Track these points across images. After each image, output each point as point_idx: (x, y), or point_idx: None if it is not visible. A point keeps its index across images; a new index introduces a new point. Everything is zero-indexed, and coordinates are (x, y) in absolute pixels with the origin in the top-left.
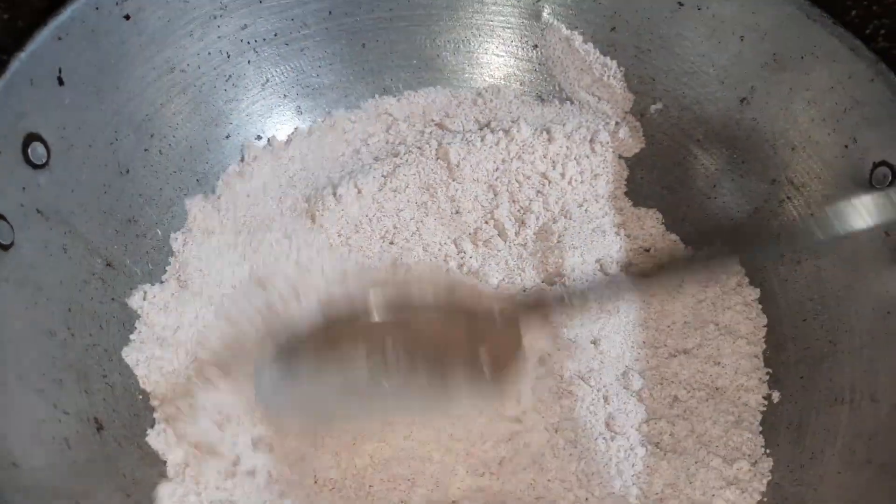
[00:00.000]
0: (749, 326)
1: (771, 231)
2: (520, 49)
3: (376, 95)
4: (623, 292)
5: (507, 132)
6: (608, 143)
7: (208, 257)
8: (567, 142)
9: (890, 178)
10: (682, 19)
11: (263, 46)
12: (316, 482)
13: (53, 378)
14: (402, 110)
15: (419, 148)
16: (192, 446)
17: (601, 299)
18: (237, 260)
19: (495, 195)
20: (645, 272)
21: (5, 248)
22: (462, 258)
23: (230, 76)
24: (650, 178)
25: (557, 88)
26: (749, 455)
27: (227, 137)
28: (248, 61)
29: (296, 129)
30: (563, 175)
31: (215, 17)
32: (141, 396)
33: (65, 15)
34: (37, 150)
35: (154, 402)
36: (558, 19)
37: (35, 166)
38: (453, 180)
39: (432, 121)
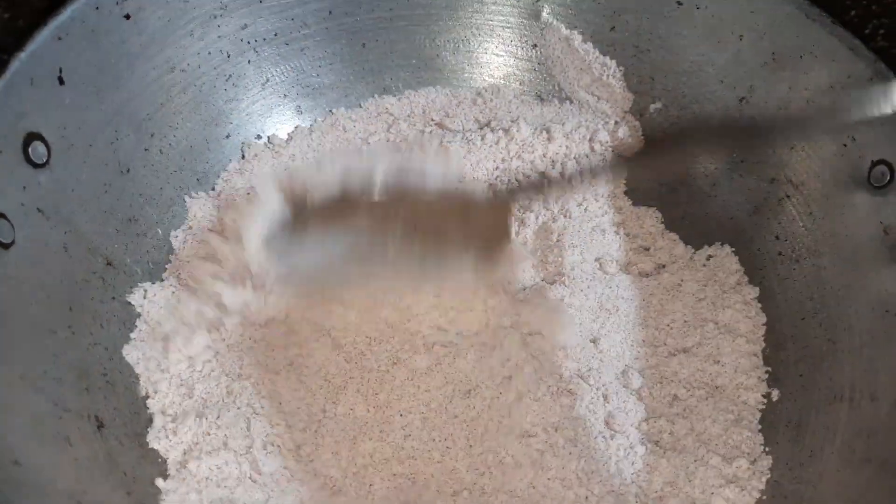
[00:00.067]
0: (748, 325)
1: (770, 230)
2: (519, 49)
3: (376, 95)
4: (603, 172)
5: (506, 131)
6: (607, 142)
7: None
8: (566, 141)
9: (888, 177)
10: (681, 19)
11: (264, 46)
12: (316, 478)
13: (54, 376)
14: (402, 110)
15: (420, 146)
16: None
17: (584, 178)
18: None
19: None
20: (644, 271)
21: (6, 246)
22: None
23: (230, 76)
24: (649, 178)
25: (557, 88)
26: (748, 453)
27: (228, 137)
28: (249, 61)
29: (296, 127)
30: (563, 174)
31: (215, 17)
32: (142, 394)
33: (65, 15)
34: (37, 149)
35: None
36: (558, 19)
37: (36, 165)
38: None
39: (432, 120)
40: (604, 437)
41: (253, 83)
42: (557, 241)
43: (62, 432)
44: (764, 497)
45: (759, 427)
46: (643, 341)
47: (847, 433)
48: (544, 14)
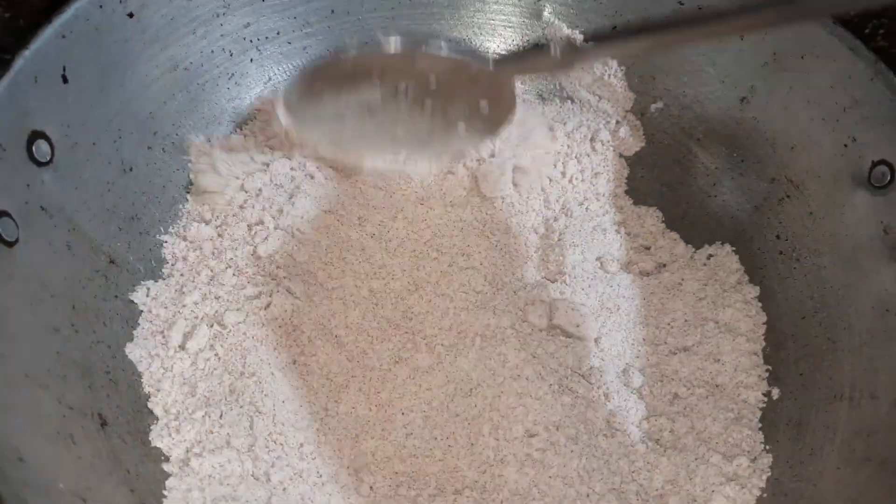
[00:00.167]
0: (749, 324)
1: (771, 229)
2: (521, 48)
3: None
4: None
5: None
6: (609, 141)
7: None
8: (568, 140)
9: (889, 177)
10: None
11: (266, 45)
12: (319, 477)
13: (58, 374)
14: None
15: None
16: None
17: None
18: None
19: None
20: (645, 270)
21: (10, 245)
22: None
23: (233, 74)
24: (650, 177)
25: (558, 87)
26: (749, 451)
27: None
28: (251, 59)
29: None
30: (563, 173)
31: (218, 16)
32: (145, 392)
33: (69, 13)
34: (41, 147)
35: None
36: (559, 18)
37: (39, 164)
38: None
39: None
40: (605, 435)
41: (255, 82)
42: (559, 240)
43: (66, 430)
44: (764, 495)
45: (760, 425)
46: (644, 340)
47: (847, 432)
48: (546, 14)
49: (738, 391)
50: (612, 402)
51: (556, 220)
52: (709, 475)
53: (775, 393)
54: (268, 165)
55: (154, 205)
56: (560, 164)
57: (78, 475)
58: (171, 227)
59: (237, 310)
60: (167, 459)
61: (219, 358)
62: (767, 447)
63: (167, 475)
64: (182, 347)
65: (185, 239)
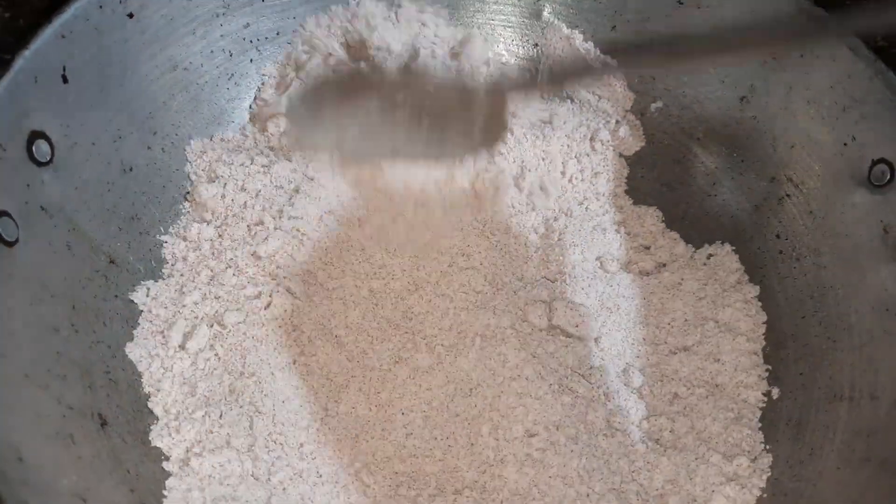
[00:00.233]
0: (749, 323)
1: (770, 228)
2: (521, 48)
3: None
4: (594, 70)
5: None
6: (608, 141)
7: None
8: (567, 140)
9: (888, 176)
10: (681, 19)
11: (266, 45)
12: (319, 476)
13: (58, 374)
14: None
15: None
16: None
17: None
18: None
19: None
20: (645, 270)
21: (10, 245)
22: None
23: (232, 74)
24: (650, 177)
25: None
26: (749, 451)
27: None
28: (251, 60)
29: None
30: (563, 173)
31: (218, 16)
32: (145, 392)
33: (69, 13)
34: (41, 147)
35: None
36: (559, 18)
37: (39, 164)
38: None
39: None
40: (605, 434)
41: (255, 82)
42: (559, 239)
43: (66, 430)
44: (764, 495)
45: (760, 425)
46: (644, 340)
47: (847, 432)
48: (545, 13)
49: (738, 391)
50: (612, 402)
51: (556, 219)
52: (709, 475)
53: (775, 393)
54: (268, 167)
55: (154, 205)
56: (560, 164)
57: (78, 475)
58: (171, 227)
59: (237, 310)
60: (167, 459)
61: (219, 358)
62: (767, 447)
63: (167, 475)
64: (182, 347)
65: (185, 239)
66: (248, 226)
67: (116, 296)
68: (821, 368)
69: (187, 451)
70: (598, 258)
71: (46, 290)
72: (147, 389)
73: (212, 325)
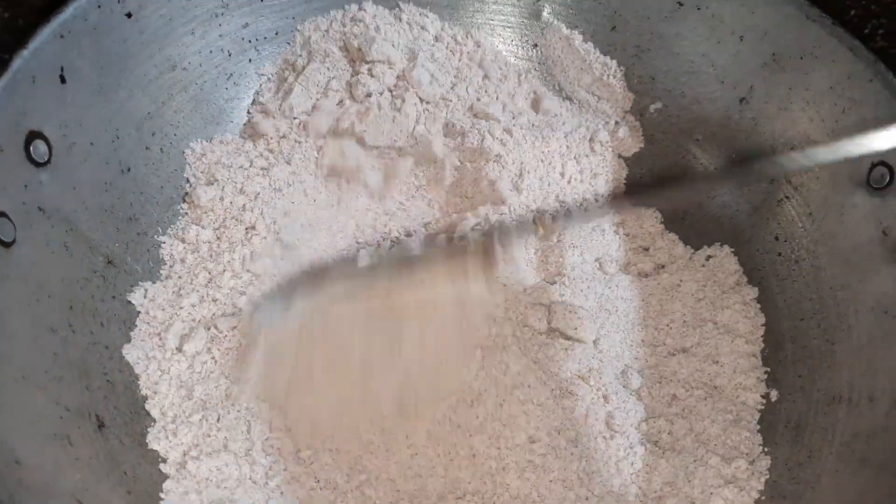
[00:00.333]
0: (747, 325)
1: (769, 230)
2: (520, 48)
3: None
4: (593, 216)
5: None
6: (608, 142)
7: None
8: (566, 141)
9: (888, 178)
10: (681, 19)
11: (264, 45)
12: (318, 482)
13: (55, 375)
14: None
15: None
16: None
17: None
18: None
19: None
20: (643, 271)
21: (7, 245)
22: None
23: (231, 74)
24: (649, 178)
25: (557, 87)
26: (747, 454)
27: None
28: (249, 59)
29: None
30: (562, 174)
31: (217, 16)
32: (142, 394)
33: (67, 13)
34: (39, 147)
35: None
36: (558, 18)
37: (37, 164)
38: None
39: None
40: (604, 437)
41: (254, 82)
42: (557, 241)
43: (63, 432)
44: (763, 497)
45: (758, 427)
46: (642, 341)
47: (845, 434)
48: (545, 14)
49: (736, 393)
50: (610, 404)
51: (554, 220)
52: (707, 477)
53: (774, 395)
54: (267, 170)
55: (152, 205)
56: (559, 165)
57: (75, 477)
58: (169, 229)
59: (234, 314)
60: (164, 461)
61: (215, 361)
62: (766, 449)
63: (164, 477)
64: (179, 350)
65: (183, 241)
66: (245, 228)
67: (114, 297)
68: (819, 370)
69: (184, 453)
70: (597, 259)
71: (44, 290)
72: (144, 392)
73: (209, 328)
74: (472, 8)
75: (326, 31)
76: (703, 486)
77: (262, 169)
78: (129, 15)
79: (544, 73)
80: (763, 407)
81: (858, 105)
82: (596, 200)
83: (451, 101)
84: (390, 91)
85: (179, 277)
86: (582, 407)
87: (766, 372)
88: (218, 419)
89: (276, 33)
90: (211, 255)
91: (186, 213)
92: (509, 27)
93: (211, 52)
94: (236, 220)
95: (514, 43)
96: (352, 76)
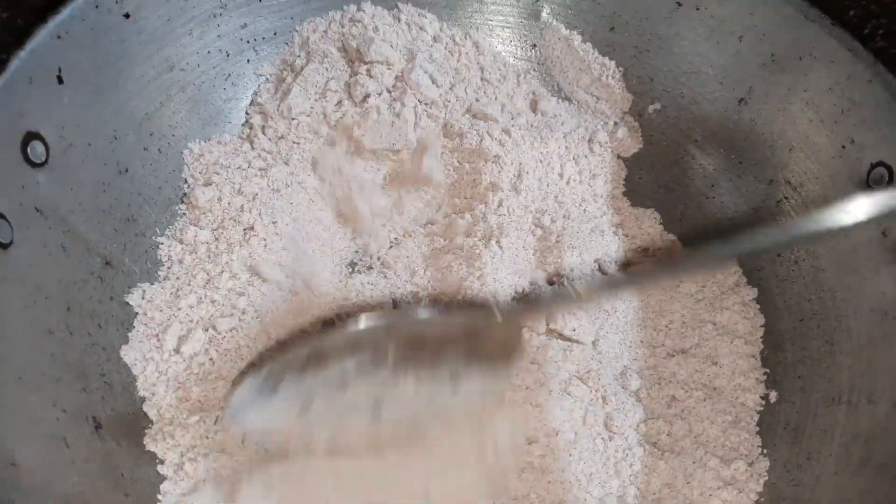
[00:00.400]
0: (747, 326)
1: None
2: (519, 48)
3: None
4: (621, 289)
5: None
6: (606, 143)
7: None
8: (565, 142)
9: (887, 179)
10: (680, 19)
11: (263, 45)
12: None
13: (52, 377)
14: None
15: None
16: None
17: (600, 296)
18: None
19: None
20: (643, 272)
21: (4, 246)
22: None
23: (229, 75)
24: (648, 178)
25: (556, 88)
26: (746, 455)
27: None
28: (248, 60)
29: None
30: (561, 175)
31: (215, 16)
32: (140, 395)
33: (65, 13)
34: (36, 148)
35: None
36: (557, 19)
37: (34, 165)
38: None
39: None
40: (603, 438)
41: (252, 83)
42: (557, 241)
43: (60, 433)
44: (762, 499)
45: (757, 429)
46: (641, 342)
47: (845, 436)
48: (544, 14)
49: (735, 394)
50: (609, 405)
51: (553, 222)
52: (706, 479)
53: (773, 396)
54: (265, 171)
55: (150, 206)
56: (558, 166)
57: (72, 479)
58: (167, 230)
59: (231, 315)
60: (161, 463)
61: (213, 362)
62: (765, 451)
63: (162, 479)
64: (177, 351)
65: (181, 242)
66: (244, 229)
67: (112, 298)
68: (819, 372)
69: (182, 455)
70: (596, 260)
71: (41, 292)
72: (142, 393)
73: (207, 330)
74: (470, 8)
75: (325, 31)
76: (702, 487)
77: (260, 170)
78: (126, 16)
79: (543, 73)
80: (762, 408)
81: (858, 106)
82: (595, 201)
83: (449, 101)
84: (389, 92)
85: (177, 278)
86: (580, 408)
87: (765, 373)
88: (216, 421)
89: (275, 34)
90: (209, 256)
91: (184, 214)
92: (508, 28)
93: (209, 52)
94: (234, 220)
95: (512, 43)
96: (350, 77)
